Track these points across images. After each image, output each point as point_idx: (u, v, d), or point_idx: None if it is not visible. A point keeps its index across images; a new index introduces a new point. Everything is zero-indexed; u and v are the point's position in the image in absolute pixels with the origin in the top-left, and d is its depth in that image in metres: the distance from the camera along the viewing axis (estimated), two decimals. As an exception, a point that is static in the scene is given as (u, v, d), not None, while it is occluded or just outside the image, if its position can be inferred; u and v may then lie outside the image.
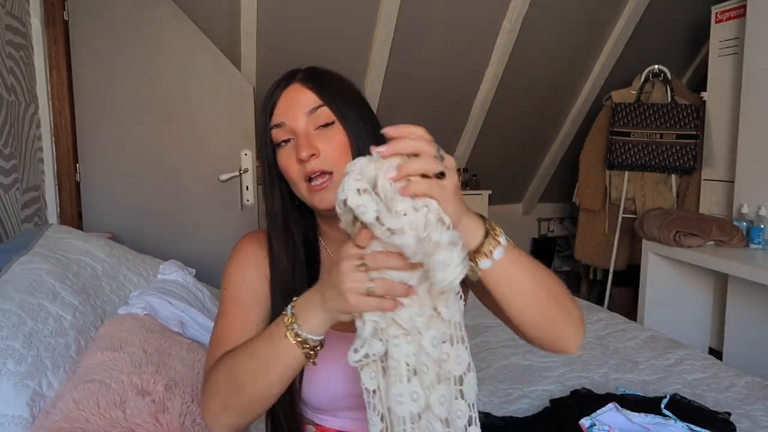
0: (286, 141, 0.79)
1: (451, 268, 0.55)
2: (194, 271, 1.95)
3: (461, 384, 0.64)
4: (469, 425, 0.64)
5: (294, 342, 0.64)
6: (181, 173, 2.51)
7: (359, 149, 0.76)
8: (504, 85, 3.60)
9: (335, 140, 0.77)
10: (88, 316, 1.28)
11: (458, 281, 0.56)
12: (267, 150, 0.81)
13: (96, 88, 2.36)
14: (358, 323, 0.60)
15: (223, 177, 2.55)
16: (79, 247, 1.57)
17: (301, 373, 0.80)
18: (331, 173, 0.76)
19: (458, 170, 4.09)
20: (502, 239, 0.64)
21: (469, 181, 4.09)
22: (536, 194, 4.66)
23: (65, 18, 2.25)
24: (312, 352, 0.65)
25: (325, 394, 0.81)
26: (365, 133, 0.79)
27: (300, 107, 0.78)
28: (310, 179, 0.76)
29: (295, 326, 0.64)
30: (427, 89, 3.44)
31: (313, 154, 0.75)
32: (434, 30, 3.20)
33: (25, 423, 0.92)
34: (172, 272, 1.78)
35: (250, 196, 2.64)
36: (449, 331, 0.62)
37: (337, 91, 0.80)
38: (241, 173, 2.60)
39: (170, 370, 1.10)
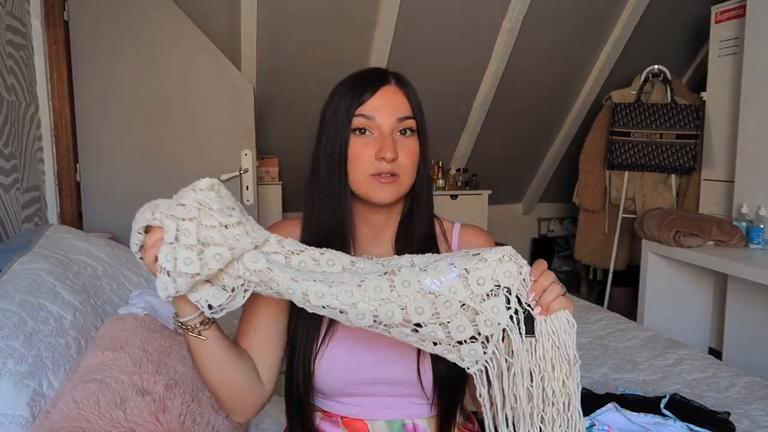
0: (363, 131, 0.85)
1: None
2: (194, 271, 1.95)
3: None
4: None
5: (183, 331, 0.77)
6: (181, 173, 2.51)
7: (423, 160, 0.89)
8: (504, 85, 3.60)
9: (411, 149, 0.87)
10: (89, 316, 1.28)
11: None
12: (343, 133, 0.86)
13: (96, 88, 2.36)
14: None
15: (224, 177, 2.56)
16: (80, 247, 1.57)
17: (314, 360, 0.86)
18: (398, 175, 0.85)
19: (458, 170, 4.09)
20: None
21: (469, 181, 4.09)
22: (536, 194, 4.66)
23: (65, 18, 2.25)
24: (194, 332, 0.76)
25: (331, 379, 0.86)
26: (426, 149, 0.90)
27: (393, 110, 0.86)
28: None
29: (175, 317, 0.77)
30: (427, 89, 3.41)
31: (395, 158, 0.84)
32: (434, 30, 3.20)
33: (25, 423, 0.92)
34: (173, 272, 1.77)
35: (250, 196, 2.65)
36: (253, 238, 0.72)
37: (420, 106, 0.90)
38: (241, 173, 2.61)
39: (170, 370, 1.10)
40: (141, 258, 0.70)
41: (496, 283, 0.68)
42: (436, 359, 0.85)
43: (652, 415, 1.28)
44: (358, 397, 0.88)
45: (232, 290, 0.71)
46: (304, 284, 0.69)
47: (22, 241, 1.47)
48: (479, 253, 0.70)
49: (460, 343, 0.70)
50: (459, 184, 4.04)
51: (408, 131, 0.87)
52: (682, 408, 1.35)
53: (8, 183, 1.79)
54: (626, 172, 3.36)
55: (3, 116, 1.77)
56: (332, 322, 0.87)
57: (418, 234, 0.91)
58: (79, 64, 2.30)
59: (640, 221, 2.85)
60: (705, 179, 3.08)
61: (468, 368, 0.71)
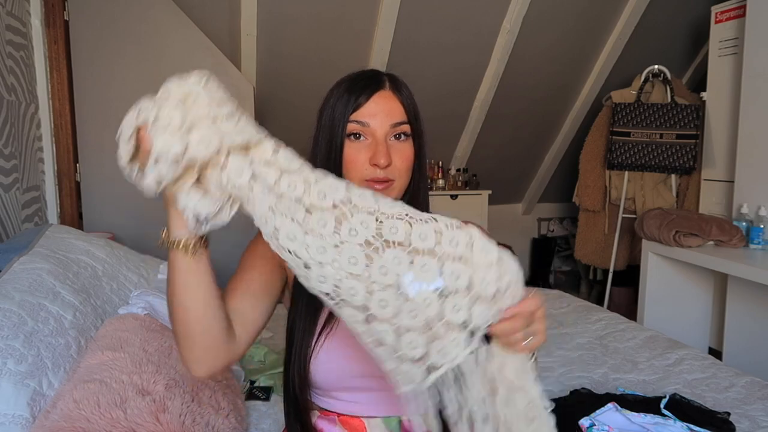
0: (357, 136, 0.85)
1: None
2: (194, 270, 1.95)
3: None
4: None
5: (171, 248, 0.71)
6: (181, 173, 2.51)
7: (418, 165, 0.89)
8: (504, 85, 3.60)
9: (405, 154, 0.86)
10: (89, 316, 1.29)
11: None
12: (337, 137, 0.85)
13: (96, 88, 2.37)
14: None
15: (223, 177, 2.56)
16: (80, 246, 1.57)
17: (309, 358, 0.86)
18: (392, 180, 0.85)
19: (458, 170, 4.09)
20: None
21: (469, 181, 4.09)
22: (536, 194, 4.66)
23: (65, 18, 2.25)
24: (184, 248, 0.71)
25: (327, 372, 0.86)
26: (422, 150, 0.90)
27: (388, 116, 0.85)
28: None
29: (165, 234, 0.72)
30: (427, 89, 3.44)
31: (388, 164, 0.84)
32: (434, 30, 3.20)
33: (25, 422, 0.92)
34: (172, 272, 1.77)
35: (250, 196, 2.64)
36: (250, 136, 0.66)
37: (415, 109, 0.89)
38: (241, 173, 2.60)
39: (170, 370, 1.10)
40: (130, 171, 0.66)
41: (468, 318, 0.62)
42: None
43: (652, 415, 1.28)
44: (354, 392, 0.88)
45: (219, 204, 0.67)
46: (280, 219, 0.64)
47: (22, 241, 1.47)
48: (471, 254, 0.62)
49: (401, 358, 0.63)
50: (459, 184, 4.04)
51: (402, 136, 0.87)
52: (682, 408, 1.35)
53: (8, 183, 1.79)
54: (626, 172, 3.36)
55: (3, 116, 1.77)
56: (328, 321, 0.87)
57: None
58: (79, 64, 2.30)
59: (640, 221, 2.85)
60: (705, 179, 3.08)
61: (396, 386, 0.64)
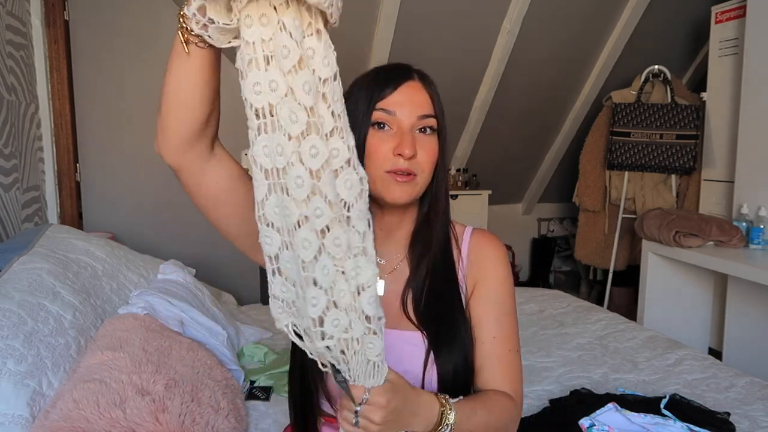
0: (382, 126, 0.82)
1: None
2: (194, 271, 1.96)
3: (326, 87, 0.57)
4: (332, 135, 0.59)
5: (179, 19, 0.62)
6: (181, 173, 2.52)
7: (441, 162, 0.86)
8: (504, 85, 3.60)
9: (431, 148, 0.83)
10: (88, 316, 1.29)
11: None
12: (361, 127, 0.81)
13: (96, 88, 2.37)
14: None
15: (223, 177, 2.56)
16: (80, 246, 1.57)
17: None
18: (414, 175, 0.81)
19: (458, 170, 4.09)
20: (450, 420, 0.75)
21: (469, 181, 4.09)
22: (536, 194, 4.66)
23: (65, 18, 2.25)
24: (188, 33, 0.63)
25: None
26: (445, 150, 0.87)
27: (415, 106, 0.83)
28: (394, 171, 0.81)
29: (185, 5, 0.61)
30: (427, 89, 3.44)
31: (413, 155, 0.80)
32: (434, 30, 3.20)
33: (25, 422, 0.92)
34: (172, 272, 1.78)
35: (250, 196, 2.65)
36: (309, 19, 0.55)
37: (441, 106, 0.87)
38: (241, 173, 2.61)
39: (170, 370, 1.10)
40: None
41: None
42: (442, 364, 0.84)
43: (652, 415, 1.28)
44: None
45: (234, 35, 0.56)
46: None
47: (22, 241, 1.48)
48: None
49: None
50: (459, 184, 4.04)
51: (428, 129, 0.84)
52: (681, 408, 1.35)
53: (8, 183, 1.79)
54: (626, 173, 3.36)
55: (3, 116, 1.77)
56: None
57: (436, 239, 0.89)
58: (79, 64, 2.30)
59: (640, 221, 2.85)
60: (705, 179, 3.08)
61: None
